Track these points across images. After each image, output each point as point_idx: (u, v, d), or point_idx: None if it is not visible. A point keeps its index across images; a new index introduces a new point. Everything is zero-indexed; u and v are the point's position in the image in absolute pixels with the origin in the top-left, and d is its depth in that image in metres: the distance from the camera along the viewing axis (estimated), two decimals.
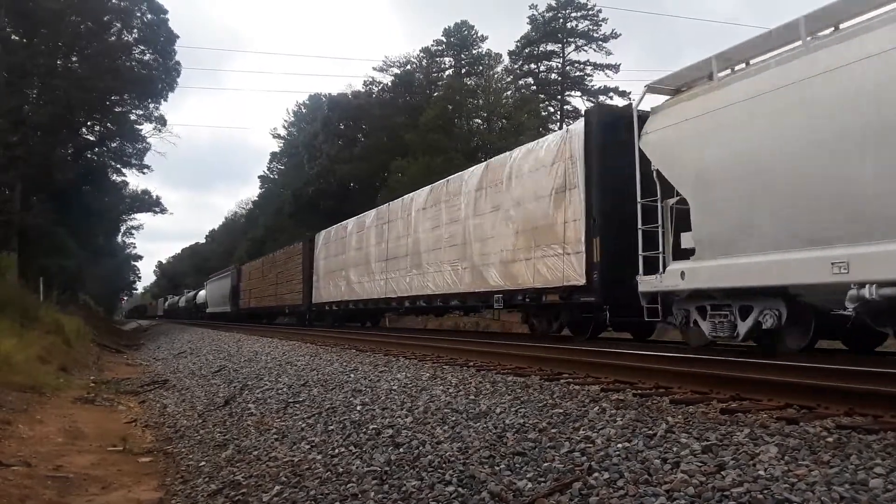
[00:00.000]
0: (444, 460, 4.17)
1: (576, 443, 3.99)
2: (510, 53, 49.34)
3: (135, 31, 33.51)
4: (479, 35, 48.20)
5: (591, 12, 46.99)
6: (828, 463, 3.14)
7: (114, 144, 37.40)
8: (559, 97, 49.68)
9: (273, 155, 66.68)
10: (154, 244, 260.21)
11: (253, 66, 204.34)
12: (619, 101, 44.29)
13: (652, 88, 8.74)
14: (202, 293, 51.09)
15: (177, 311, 66.81)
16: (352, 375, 8.00)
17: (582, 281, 9.54)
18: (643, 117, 8.63)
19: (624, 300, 8.79)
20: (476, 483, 3.67)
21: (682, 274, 7.72)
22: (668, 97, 8.58)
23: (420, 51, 50.08)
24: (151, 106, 35.22)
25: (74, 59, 32.03)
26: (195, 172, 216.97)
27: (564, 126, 13.00)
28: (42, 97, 30.25)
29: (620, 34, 47.66)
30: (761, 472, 3.09)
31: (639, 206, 8.36)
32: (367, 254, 18.60)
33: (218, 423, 7.13)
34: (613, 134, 9.31)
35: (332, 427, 5.64)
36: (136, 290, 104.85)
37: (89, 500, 4.89)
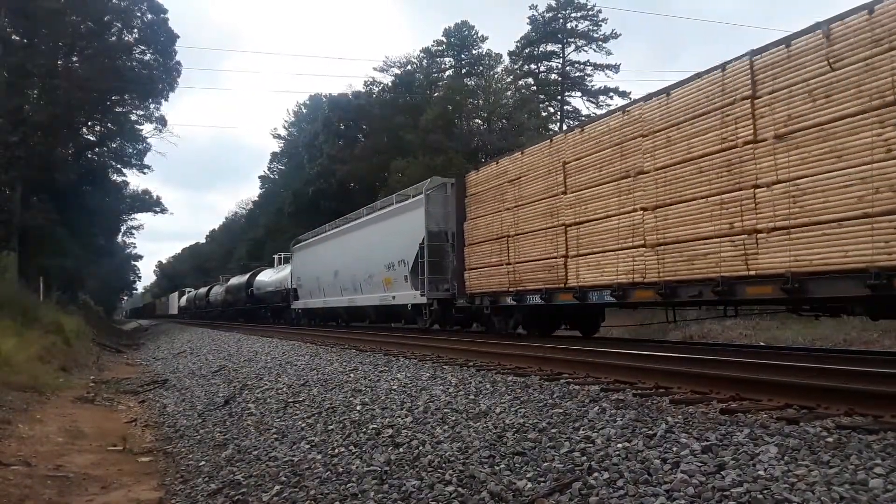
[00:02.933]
0: (444, 460, 4.16)
1: (576, 443, 3.99)
2: (510, 54, 49.42)
3: (135, 31, 33.47)
4: (479, 35, 48.22)
5: (591, 12, 47.04)
6: (828, 463, 3.14)
7: (114, 144, 37.37)
8: (559, 97, 49.67)
9: (273, 155, 66.66)
10: (154, 244, 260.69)
11: (253, 65, 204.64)
12: (619, 102, 44.32)
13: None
14: (268, 277, 31.15)
15: (204, 308, 46.94)
16: (352, 375, 8.00)
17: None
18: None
19: None
20: (476, 483, 3.67)
21: None
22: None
23: (420, 51, 50.19)
24: (152, 106, 35.22)
25: (75, 59, 32.00)
26: (195, 172, 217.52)
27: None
28: (42, 97, 30.22)
29: (620, 34, 47.76)
30: (761, 473, 3.09)
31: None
32: None
33: (218, 423, 7.13)
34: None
35: (331, 427, 5.64)
36: (136, 289, 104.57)
37: (89, 500, 4.88)
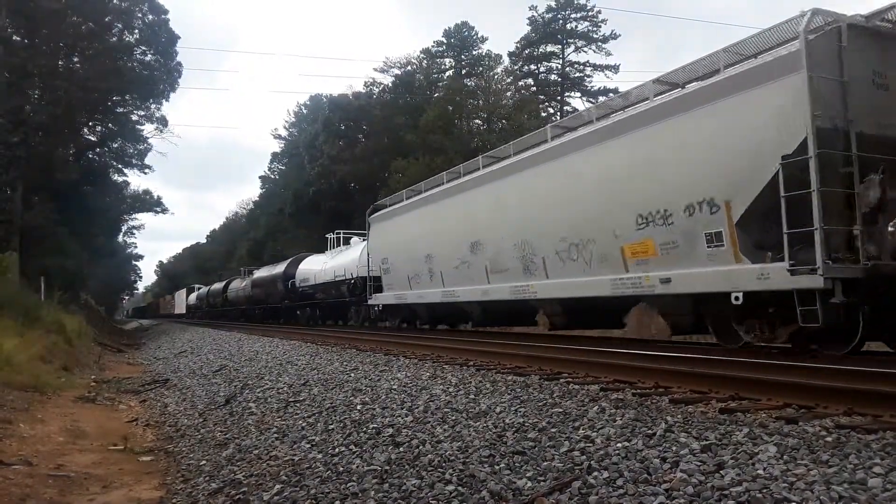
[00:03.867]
0: (444, 459, 4.17)
1: (575, 442, 4.00)
2: (510, 54, 49.53)
3: (136, 31, 33.56)
4: (479, 36, 48.37)
5: (590, 13, 47.17)
6: (827, 462, 3.15)
7: (115, 145, 37.49)
8: (559, 98, 49.77)
9: (274, 155, 66.80)
10: (155, 244, 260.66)
11: (253, 66, 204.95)
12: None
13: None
14: (319, 265, 23.69)
15: (220, 307, 40.47)
16: (352, 375, 8.02)
17: None
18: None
19: None
20: (476, 482, 3.68)
21: None
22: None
23: (420, 52, 50.31)
24: (153, 106, 35.33)
25: (76, 59, 32.07)
26: (195, 172, 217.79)
27: None
28: (43, 97, 30.27)
29: (620, 35, 47.91)
30: (760, 472, 3.10)
31: None
32: None
33: (219, 422, 7.14)
34: None
35: (332, 426, 5.65)
36: (137, 289, 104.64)
37: (90, 499, 4.89)
